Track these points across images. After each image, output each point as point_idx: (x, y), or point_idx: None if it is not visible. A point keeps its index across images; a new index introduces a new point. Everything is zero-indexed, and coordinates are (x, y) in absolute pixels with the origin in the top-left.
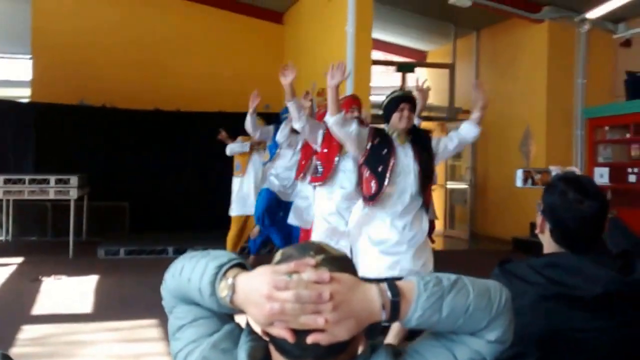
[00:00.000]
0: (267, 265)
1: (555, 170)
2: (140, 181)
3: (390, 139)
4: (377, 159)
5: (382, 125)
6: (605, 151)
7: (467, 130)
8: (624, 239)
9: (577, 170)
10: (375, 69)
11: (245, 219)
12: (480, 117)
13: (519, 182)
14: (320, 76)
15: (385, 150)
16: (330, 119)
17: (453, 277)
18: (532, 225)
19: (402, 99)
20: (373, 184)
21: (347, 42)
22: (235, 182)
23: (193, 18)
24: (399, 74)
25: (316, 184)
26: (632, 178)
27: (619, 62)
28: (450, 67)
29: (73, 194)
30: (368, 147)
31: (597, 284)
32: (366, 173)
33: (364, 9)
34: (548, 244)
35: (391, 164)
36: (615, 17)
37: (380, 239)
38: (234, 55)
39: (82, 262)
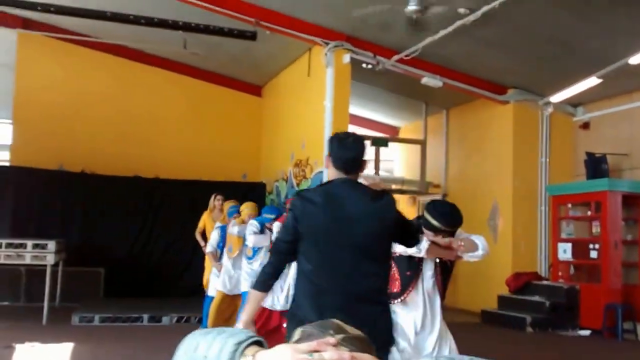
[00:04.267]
0: (287, 343)
1: (363, 179)
2: (116, 247)
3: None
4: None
5: None
6: (568, 227)
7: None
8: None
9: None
10: None
11: (232, 296)
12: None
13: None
14: (298, 148)
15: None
16: None
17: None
18: (500, 298)
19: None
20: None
21: (326, 116)
22: (227, 261)
23: (173, 89)
24: (373, 148)
25: None
26: (593, 254)
27: (578, 143)
28: (422, 142)
29: (50, 259)
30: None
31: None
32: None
33: (341, 86)
34: (332, 173)
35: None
36: (575, 102)
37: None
38: (213, 125)
39: (56, 328)
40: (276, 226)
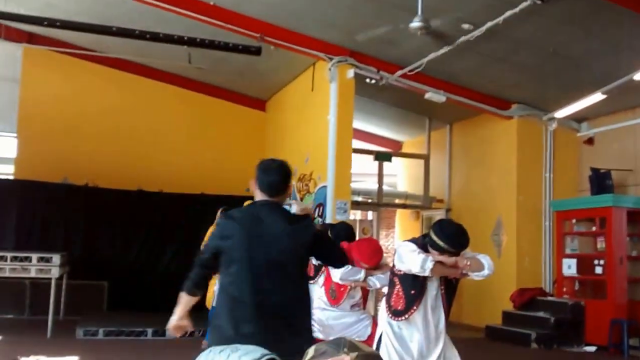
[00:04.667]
0: None
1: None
2: (120, 260)
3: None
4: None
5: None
6: (572, 243)
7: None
8: None
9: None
10: (353, 156)
11: None
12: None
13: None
14: (302, 162)
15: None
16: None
17: None
18: (505, 314)
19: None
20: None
21: (329, 131)
22: None
23: (177, 103)
24: (377, 163)
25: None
26: (598, 269)
27: (583, 158)
28: (425, 157)
29: (55, 272)
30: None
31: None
32: (397, 285)
33: (345, 100)
34: (257, 195)
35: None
36: (579, 117)
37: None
38: (217, 139)
39: (60, 342)
40: None
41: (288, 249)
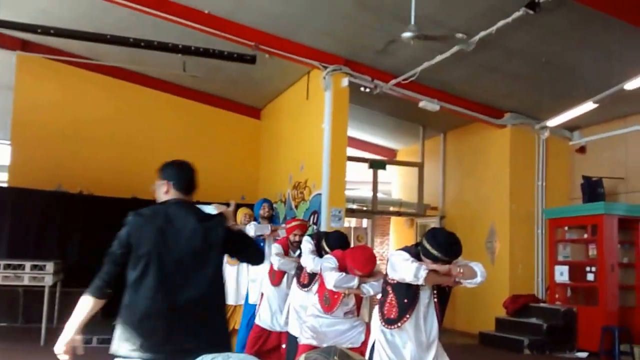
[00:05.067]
0: None
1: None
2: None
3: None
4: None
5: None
6: (564, 250)
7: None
8: None
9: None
10: (348, 164)
11: (233, 308)
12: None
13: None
14: (297, 170)
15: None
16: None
17: None
18: (498, 321)
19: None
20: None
21: (324, 139)
22: (230, 271)
23: (172, 111)
24: (371, 170)
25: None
26: (590, 276)
27: (575, 166)
28: (419, 165)
29: (48, 280)
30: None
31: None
32: (390, 294)
33: (340, 109)
34: (165, 196)
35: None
36: (572, 126)
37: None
38: (212, 148)
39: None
40: (275, 247)
41: (198, 247)
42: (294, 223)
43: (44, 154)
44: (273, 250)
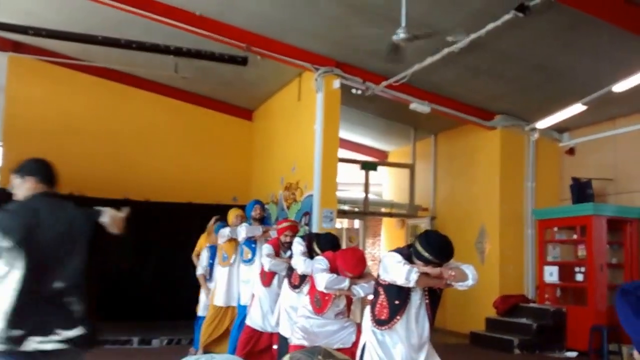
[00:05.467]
0: None
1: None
2: (105, 269)
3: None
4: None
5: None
6: (554, 250)
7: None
8: None
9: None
10: (340, 166)
11: (224, 310)
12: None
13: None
14: (288, 171)
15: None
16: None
17: None
18: (488, 321)
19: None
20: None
21: (316, 140)
22: (222, 272)
23: (164, 112)
24: (363, 172)
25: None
26: (579, 277)
27: (564, 168)
28: (411, 167)
29: None
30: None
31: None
32: (381, 295)
33: (331, 110)
34: (28, 190)
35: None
36: (561, 128)
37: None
38: (204, 149)
39: None
40: (266, 248)
41: (66, 237)
42: (285, 224)
43: (36, 155)
44: (264, 251)
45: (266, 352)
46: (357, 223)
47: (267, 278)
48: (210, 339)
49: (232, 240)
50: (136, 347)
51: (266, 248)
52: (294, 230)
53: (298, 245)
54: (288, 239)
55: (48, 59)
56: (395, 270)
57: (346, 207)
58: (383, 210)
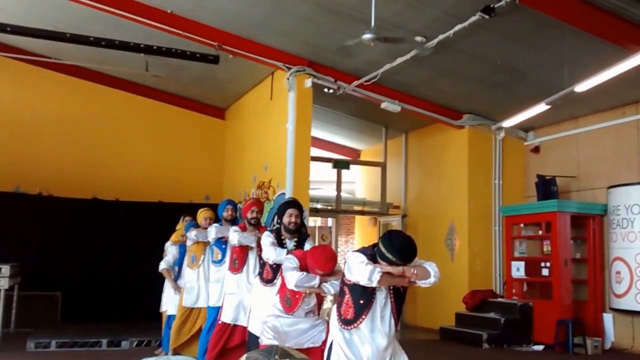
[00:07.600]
0: None
1: None
2: (74, 270)
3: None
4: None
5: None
6: (520, 246)
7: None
8: None
9: None
10: (312, 164)
11: (190, 310)
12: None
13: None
14: (261, 170)
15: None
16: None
17: None
18: (457, 316)
19: None
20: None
21: (288, 139)
22: (190, 274)
23: (135, 111)
24: (335, 170)
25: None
26: (545, 272)
27: (529, 165)
28: (382, 165)
29: (4, 283)
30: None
31: None
32: (346, 295)
33: (303, 109)
34: None
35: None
36: (526, 127)
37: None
38: (175, 147)
39: (10, 355)
40: (233, 228)
41: None
42: (250, 201)
43: (3, 154)
44: (231, 229)
45: (239, 348)
46: (330, 221)
47: (238, 263)
48: (180, 341)
49: (200, 242)
50: (105, 349)
51: (233, 228)
52: (259, 205)
53: (267, 238)
54: (255, 215)
55: (15, 56)
56: (359, 270)
57: (319, 205)
58: (355, 208)
